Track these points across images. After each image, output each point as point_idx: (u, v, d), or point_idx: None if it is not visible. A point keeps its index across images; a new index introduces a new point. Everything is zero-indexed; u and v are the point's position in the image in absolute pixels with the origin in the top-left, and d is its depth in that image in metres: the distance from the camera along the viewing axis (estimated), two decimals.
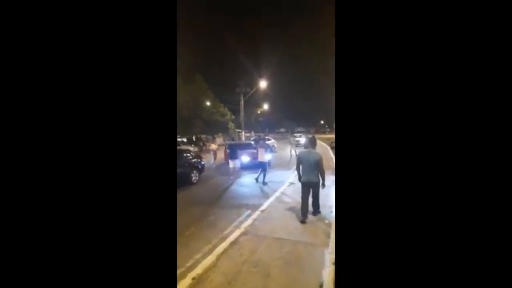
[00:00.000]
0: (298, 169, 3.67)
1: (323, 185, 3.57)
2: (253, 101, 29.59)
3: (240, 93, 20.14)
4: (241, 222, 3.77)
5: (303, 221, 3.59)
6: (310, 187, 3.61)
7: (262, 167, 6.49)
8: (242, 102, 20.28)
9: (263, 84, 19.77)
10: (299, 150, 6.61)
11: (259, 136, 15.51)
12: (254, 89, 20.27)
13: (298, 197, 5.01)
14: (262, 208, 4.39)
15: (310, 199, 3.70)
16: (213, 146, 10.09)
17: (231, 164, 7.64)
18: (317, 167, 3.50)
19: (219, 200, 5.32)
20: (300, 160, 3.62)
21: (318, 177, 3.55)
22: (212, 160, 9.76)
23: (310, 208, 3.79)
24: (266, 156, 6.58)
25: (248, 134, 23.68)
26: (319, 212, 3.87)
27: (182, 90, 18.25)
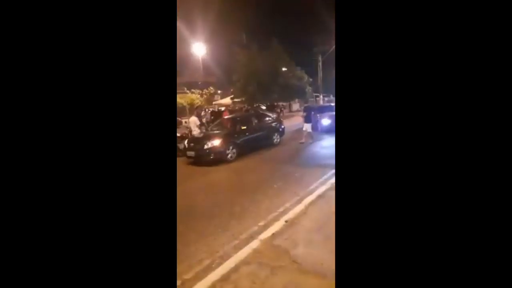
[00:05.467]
0: None
1: None
2: (332, 61, 27.05)
3: (317, 52, 18.71)
4: (326, 180, 3.82)
5: None
6: None
7: None
8: (320, 63, 18.89)
9: None
10: None
11: None
12: (333, 47, 18.37)
13: None
14: None
15: None
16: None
17: (305, 127, 7.46)
18: None
19: (303, 159, 5.48)
20: None
21: None
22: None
23: None
24: None
25: (327, 98, 22.30)
26: None
27: (259, 57, 18.43)
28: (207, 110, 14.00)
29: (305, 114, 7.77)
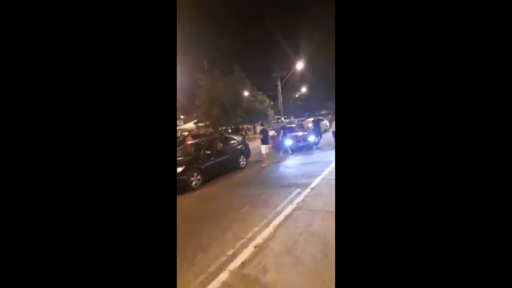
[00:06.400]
0: None
1: None
2: (291, 85, 28.89)
3: (277, 78, 19.86)
4: (293, 199, 3.88)
5: None
6: None
7: None
8: (279, 87, 19.99)
9: (299, 65, 19.09)
10: None
11: (316, 118, 15.32)
12: (290, 72, 19.77)
13: None
14: (312, 186, 4.42)
15: None
16: (271, 133, 10.09)
17: (263, 149, 7.49)
18: None
19: (269, 181, 5.51)
20: None
21: None
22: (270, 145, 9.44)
23: None
24: None
25: (287, 120, 23.43)
26: None
27: (222, 82, 18.83)
28: None
29: (261, 136, 7.74)
